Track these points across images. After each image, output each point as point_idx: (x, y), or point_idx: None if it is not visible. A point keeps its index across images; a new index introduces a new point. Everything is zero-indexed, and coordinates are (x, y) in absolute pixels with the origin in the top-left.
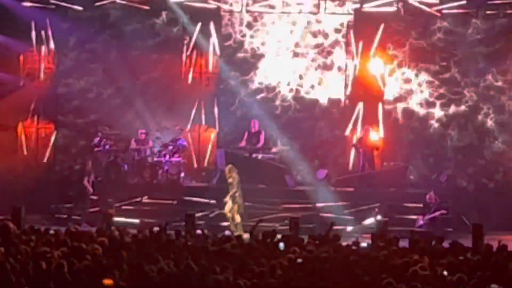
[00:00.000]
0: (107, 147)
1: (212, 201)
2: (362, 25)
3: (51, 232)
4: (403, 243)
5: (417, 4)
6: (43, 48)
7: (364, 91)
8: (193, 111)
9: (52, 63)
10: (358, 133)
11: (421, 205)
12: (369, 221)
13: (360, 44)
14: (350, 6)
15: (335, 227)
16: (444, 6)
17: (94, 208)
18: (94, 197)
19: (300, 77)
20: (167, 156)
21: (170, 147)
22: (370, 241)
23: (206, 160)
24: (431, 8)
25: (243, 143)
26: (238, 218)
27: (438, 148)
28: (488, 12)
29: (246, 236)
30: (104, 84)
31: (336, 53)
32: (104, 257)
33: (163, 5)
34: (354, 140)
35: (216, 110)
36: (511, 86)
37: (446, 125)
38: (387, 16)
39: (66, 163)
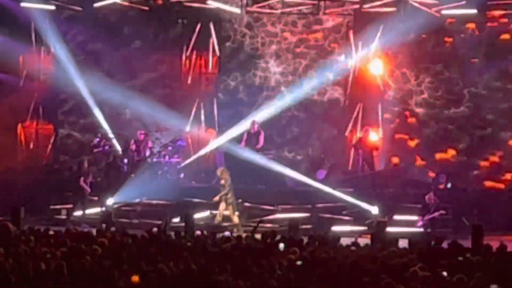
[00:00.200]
0: (106, 148)
1: (212, 202)
2: (362, 26)
3: (51, 232)
4: (403, 244)
5: (416, 5)
6: (43, 49)
7: (363, 91)
8: (193, 111)
9: (51, 64)
10: (358, 133)
11: (420, 206)
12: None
13: (360, 44)
14: (349, 7)
15: (334, 228)
16: (443, 6)
17: (94, 208)
18: (93, 198)
19: (300, 78)
20: (167, 157)
21: (170, 148)
22: (369, 242)
23: (205, 161)
24: (430, 8)
25: (242, 144)
26: (236, 219)
27: (438, 149)
28: (488, 12)
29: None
30: (103, 85)
31: (336, 53)
32: (103, 258)
33: (163, 5)
34: (354, 141)
35: (215, 110)
36: (510, 87)
37: (446, 126)
38: (386, 17)
39: (65, 164)
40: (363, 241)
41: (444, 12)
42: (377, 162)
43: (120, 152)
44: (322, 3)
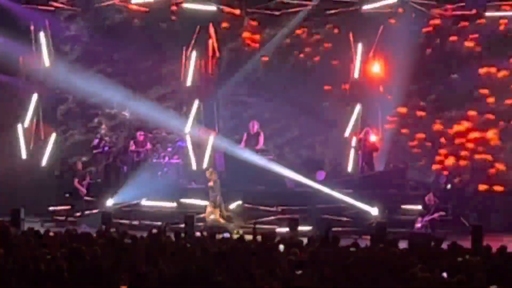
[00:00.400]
0: (106, 148)
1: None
2: (362, 27)
3: (50, 234)
4: (403, 245)
5: (416, 6)
6: (42, 49)
7: (363, 92)
8: (193, 112)
9: (51, 65)
10: (358, 134)
11: (420, 207)
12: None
13: (360, 45)
14: (349, 8)
15: (334, 229)
16: (443, 7)
17: (94, 209)
18: (91, 199)
19: (300, 78)
20: (166, 158)
21: (169, 149)
22: (369, 243)
23: (205, 162)
24: (430, 9)
25: (242, 145)
26: (222, 221)
27: (438, 150)
28: (488, 13)
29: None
30: (103, 86)
31: (335, 54)
32: (103, 259)
33: (163, 6)
34: (354, 142)
35: (215, 111)
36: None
37: (445, 127)
38: (386, 17)
39: (64, 165)
40: (363, 242)
41: (443, 13)
42: (377, 163)
43: (120, 153)
44: (322, 4)
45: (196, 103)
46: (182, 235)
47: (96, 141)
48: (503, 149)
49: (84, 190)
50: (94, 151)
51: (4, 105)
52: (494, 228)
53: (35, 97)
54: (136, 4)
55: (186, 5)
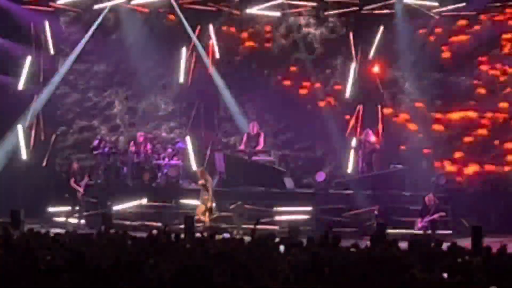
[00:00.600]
0: (106, 149)
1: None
2: (362, 28)
3: (50, 235)
4: (403, 245)
5: (416, 7)
6: (42, 50)
7: (363, 93)
8: (192, 113)
9: (51, 66)
10: (358, 135)
11: (420, 207)
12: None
13: (360, 46)
14: (349, 8)
15: (334, 229)
16: (443, 8)
17: (94, 210)
18: (92, 200)
19: (300, 79)
20: (166, 159)
21: (169, 150)
22: (369, 243)
23: (205, 163)
24: (430, 10)
25: (242, 146)
26: (206, 219)
27: (438, 150)
28: (488, 14)
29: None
30: (103, 87)
31: (335, 55)
32: (103, 260)
33: (163, 7)
34: (354, 143)
35: (215, 112)
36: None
37: (446, 128)
38: (386, 18)
39: (64, 166)
40: (363, 242)
41: (444, 14)
42: (377, 164)
43: (120, 154)
44: (322, 5)
45: (196, 104)
46: (182, 235)
47: (96, 142)
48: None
49: (81, 190)
50: (94, 152)
51: (4, 106)
52: (494, 229)
53: (35, 98)
54: (136, 5)
55: (186, 6)
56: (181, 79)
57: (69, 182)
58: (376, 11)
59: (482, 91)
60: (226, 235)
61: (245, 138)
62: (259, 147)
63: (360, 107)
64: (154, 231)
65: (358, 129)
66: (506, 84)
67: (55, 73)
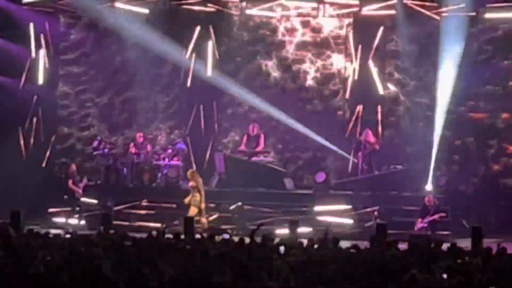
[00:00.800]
0: (106, 150)
1: (211, 205)
2: (361, 28)
3: (50, 235)
4: (402, 246)
5: (416, 7)
6: (42, 51)
7: (363, 94)
8: (192, 114)
9: (51, 67)
10: (358, 136)
11: (420, 208)
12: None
13: (359, 47)
14: (349, 10)
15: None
16: (443, 9)
17: (93, 211)
18: (92, 200)
19: (300, 80)
20: (166, 160)
21: (169, 151)
22: (369, 244)
23: (205, 164)
24: (430, 11)
25: (242, 147)
26: (204, 220)
27: (438, 151)
28: (488, 15)
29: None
30: (103, 88)
31: (335, 56)
32: (103, 261)
33: (163, 9)
34: (354, 143)
35: (215, 113)
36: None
37: (446, 128)
38: (386, 19)
39: (64, 167)
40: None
41: (443, 15)
42: (377, 165)
43: (120, 154)
44: (321, 6)
45: (195, 105)
46: (182, 236)
47: (96, 143)
48: None
49: (79, 191)
50: (94, 153)
51: (3, 107)
52: (494, 230)
53: (34, 99)
54: (136, 6)
55: (185, 7)
56: (181, 80)
57: (67, 184)
58: (376, 12)
59: None
60: (226, 236)
61: (245, 138)
62: (259, 148)
63: (360, 108)
64: (154, 232)
65: (358, 130)
66: None
67: (55, 73)
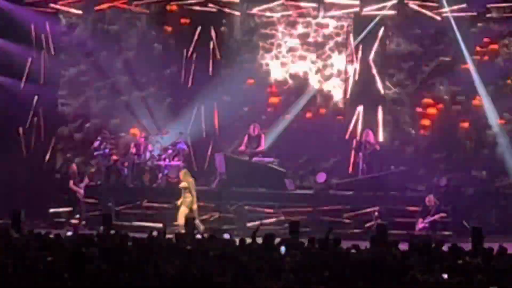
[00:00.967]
0: (106, 151)
1: (212, 205)
2: (362, 29)
3: (51, 236)
4: (403, 247)
5: (417, 8)
6: (43, 51)
7: (363, 94)
8: (193, 114)
9: (52, 67)
10: (358, 136)
11: (420, 208)
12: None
13: (360, 47)
14: (349, 10)
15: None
16: (444, 9)
17: (94, 211)
18: (93, 201)
19: (300, 81)
20: (167, 160)
21: (170, 151)
22: (369, 245)
23: (205, 164)
24: (431, 11)
25: (242, 147)
26: (181, 221)
27: (438, 152)
28: (489, 15)
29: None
30: (103, 88)
31: (335, 56)
32: (104, 261)
33: (164, 9)
34: (354, 144)
35: (216, 113)
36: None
37: (446, 129)
38: (386, 20)
39: (65, 167)
40: (363, 244)
41: (444, 15)
42: (377, 165)
43: (121, 155)
44: (322, 6)
45: (196, 106)
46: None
47: (97, 143)
48: None
49: (81, 192)
50: (95, 153)
51: (4, 107)
52: (494, 230)
53: (35, 99)
54: (137, 6)
55: (187, 7)
56: (182, 80)
57: (68, 184)
58: (377, 12)
59: None
60: (226, 236)
61: (245, 139)
62: (260, 148)
63: (360, 108)
64: (155, 233)
65: (359, 130)
66: None
67: (55, 74)
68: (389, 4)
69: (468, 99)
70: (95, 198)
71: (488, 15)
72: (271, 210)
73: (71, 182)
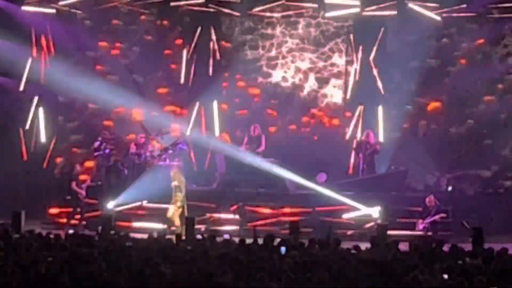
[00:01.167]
0: (107, 151)
1: (212, 205)
2: (362, 29)
3: (51, 236)
4: (403, 247)
5: (417, 8)
6: (43, 52)
7: (364, 95)
8: (193, 115)
9: (52, 68)
10: (358, 137)
11: (421, 209)
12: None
13: (360, 48)
14: (350, 10)
15: (335, 231)
16: (444, 10)
17: (94, 212)
18: (93, 201)
19: (300, 81)
20: (167, 160)
21: (170, 151)
22: (370, 245)
23: (206, 164)
24: (431, 12)
25: (243, 147)
26: (177, 222)
27: (439, 152)
28: (489, 16)
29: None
30: (103, 88)
31: (336, 57)
32: (104, 262)
33: (164, 9)
34: (354, 144)
35: (216, 114)
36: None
37: (446, 130)
38: (387, 20)
39: (65, 168)
40: (364, 244)
41: (445, 15)
42: (377, 165)
43: (121, 155)
44: (322, 6)
45: (197, 105)
46: (183, 237)
47: (97, 144)
48: None
49: (83, 193)
50: (95, 154)
51: (5, 108)
52: (495, 230)
53: (35, 99)
54: (137, 6)
55: (187, 7)
56: (183, 80)
57: (70, 184)
58: (377, 13)
59: None
60: (226, 236)
61: (246, 140)
62: (261, 149)
63: (361, 108)
64: (155, 233)
65: (359, 131)
66: None
67: (56, 74)
68: (389, 4)
69: (469, 99)
70: (96, 199)
71: (488, 15)
72: (271, 210)
73: (74, 183)
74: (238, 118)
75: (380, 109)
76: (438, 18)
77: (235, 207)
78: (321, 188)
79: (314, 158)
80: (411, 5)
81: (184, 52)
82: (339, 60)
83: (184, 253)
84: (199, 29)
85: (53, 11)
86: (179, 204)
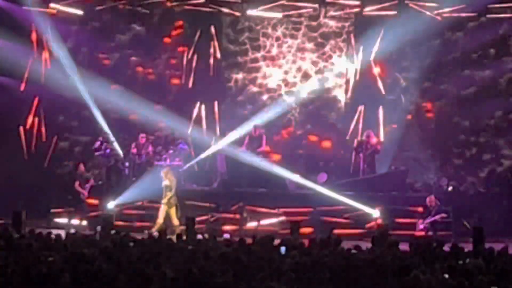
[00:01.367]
0: (107, 151)
1: (213, 205)
2: (363, 29)
3: (52, 236)
4: (404, 247)
5: (417, 8)
6: (44, 52)
7: (364, 95)
8: (194, 115)
9: (52, 68)
10: (359, 136)
11: (421, 209)
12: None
13: (361, 48)
14: (350, 10)
15: (335, 231)
16: (444, 10)
17: (95, 212)
18: (94, 201)
19: (301, 81)
20: (168, 160)
21: (171, 151)
22: (370, 245)
23: (206, 164)
24: (431, 12)
25: (243, 147)
26: (176, 222)
27: (439, 152)
28: (489, 16)
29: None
30: (104, 88)
31: (336, 57)
32: (105, 261)
33: (164, 9)
34: (355, 144)
35: (216, 113)
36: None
37: (446, 130)
38: (387, 20)
39: (66, 168)
40: (364, 244)
41: (444, 15)
42: (378, 165)
43: (121, 155)
44: (323, 6)
45: (197, 105)
46: (184, 237)
47: (97, 144)
48: None
49: (85, 193)
50: (96, 154)
51: (5, 107)
52: (495, 230)
53: (36, 100)
54: (137, 6)
55: (188, 7)
56: (183, 80)
57: (73, 184)
58: (378, 12)
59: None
60: (226, 236)
61: (246, 139)
62: (261, 149)
63: (361, 109)
64: (155, 233)
65: (360, 131)
66: None
67: (56, 74)
68: (389, 4)
69: (469, 99)
70: (96, 198)
71: (488, 15)
72: (271, 210)
73: (77, 183)
74: (238, 118)
75: (380, 109)
76: (438, 18)
77: (235, 207)
78: (321, 188)
79: (314, 158)
80: (411, 5)
81: (185, 52)
82: (340, 60)
83: (184, 253)
84: (199, 29)
85: (54, 11)
86: (166, 201)
